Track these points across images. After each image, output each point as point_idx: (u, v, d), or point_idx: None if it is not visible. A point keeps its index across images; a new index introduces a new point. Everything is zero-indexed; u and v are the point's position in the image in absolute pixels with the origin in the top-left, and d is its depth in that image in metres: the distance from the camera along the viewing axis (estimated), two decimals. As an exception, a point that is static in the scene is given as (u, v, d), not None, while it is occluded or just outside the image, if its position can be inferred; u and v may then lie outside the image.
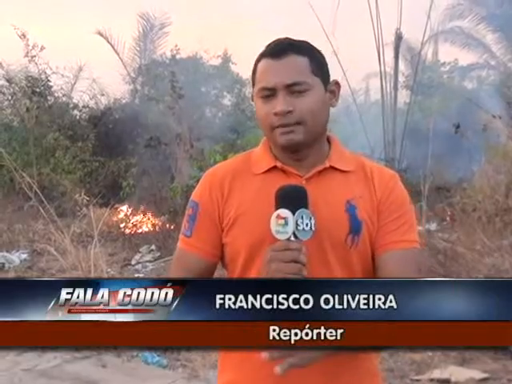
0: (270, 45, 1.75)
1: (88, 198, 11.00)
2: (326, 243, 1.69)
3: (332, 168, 1.76)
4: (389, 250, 1.71)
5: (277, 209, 1.58)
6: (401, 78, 19.55)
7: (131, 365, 5.57)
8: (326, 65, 1.78)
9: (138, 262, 9.56)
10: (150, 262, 9.61)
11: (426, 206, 9.08)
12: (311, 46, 1.77)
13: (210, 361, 5.44)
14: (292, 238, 1.55)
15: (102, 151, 15.40)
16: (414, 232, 1.77)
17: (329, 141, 1.83)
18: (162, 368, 5.54)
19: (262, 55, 1.73)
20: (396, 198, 1.76)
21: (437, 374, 4.93)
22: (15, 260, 9.31)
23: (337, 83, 1.77)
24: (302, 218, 1.56)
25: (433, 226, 9.77)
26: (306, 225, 1.56)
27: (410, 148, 16.28)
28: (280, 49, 1.70)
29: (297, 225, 1.55)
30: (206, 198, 1.76)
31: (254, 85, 1.75)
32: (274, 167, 1.76)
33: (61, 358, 5.66)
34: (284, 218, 1.56)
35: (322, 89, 1.72)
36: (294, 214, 1.55)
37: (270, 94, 1.69)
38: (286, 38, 1.76)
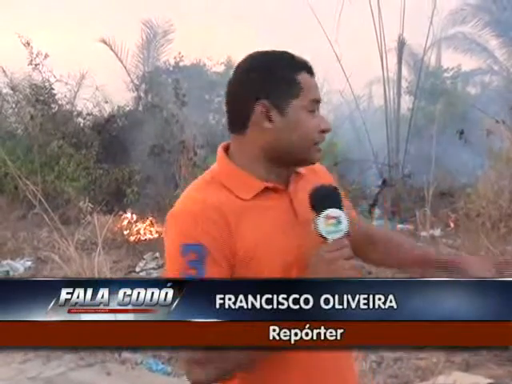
0: (300, 58, 1.72)
1: (92, 206, 11.01)
2: None
3: (298, 174, 1.78)
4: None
5: (321, 210, 1.59)
6: (404, 84, 19.54)
7: (135, 372, 5.56)
8: None
9: (143, 270, 9.55)
10: (154, 269, 9.60)
11: (429, 211, 9.07)
12: None
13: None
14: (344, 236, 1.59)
15: (105, 159, 15.41)
16: None
17: None
18: (167, 375, 5.53)
19: (301, 68, 1.70)
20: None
21: (441, 380, 4.91)
22: (19, 268, 9.32)
23: None
24: (346, 215, 1.60)
25: (437, 232, 9.75)
26: (349, 221, 1.61)
27: (414, 154, 16.28)
28: (310, 67, 1.72)
29: (346, 224, 1.59)
30: (213, 237, 1.59)
31: (291, 97, 1.67)
32: (267, 187, 1.70)
33: (65, 366, 5.66)
34: (336, 218, 1.58)
35: None
36: (343, 212, 1.60)
37: (315, 108, 1.69)
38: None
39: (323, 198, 1.61)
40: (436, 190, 9.60)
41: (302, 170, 1.78)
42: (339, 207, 1.60)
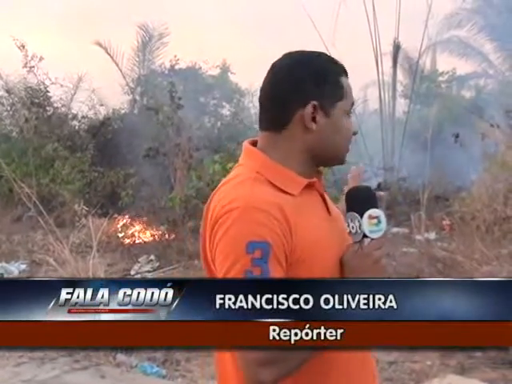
0: (338, 62, 1.76)
1: (87, 209, 11.01)
2: None
3: (319, 171, 1.81)
4: None
5: (362, 211, 1.63)
6: (399, 88, 19.62)
7: (130, 375, 5.54)
8: None
9: (138, 273, 9.54)
10: (149, 272, 9.59)
11: (424, 214, 9.08)
12: None
13: (209, 371, 5.42)
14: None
15: (100, 161, 15.40)
16: None
17: None
18: (161, 378, 5.52)
19: (341, 72, 1.74)
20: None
21: (436, 382, 4.92)
22: (14, 271, 9.30)
23: None
24: (376, 217, 1.64)
25: (432, 235, 9.77)
26: (376, 225, 1.64)
27: (409, 157, 16.32)
28: (347, 70, 1.76)
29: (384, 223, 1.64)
30: (276, 234, 1.55)
31: (336, 98, 1.70)
32: (309, 183, 1.71)
33: (60, 369, 5.63)
34: (377, 217, 1.63)
35: None
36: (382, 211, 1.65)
37: (351, 111, 1.76)
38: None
39: (364, 199, 1.66)
40: (431, 193, 9.62)
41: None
42: (377, 207, 1.65)
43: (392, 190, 14.27)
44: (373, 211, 1.62)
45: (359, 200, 1.66)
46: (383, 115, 17.47)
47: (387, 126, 17.30)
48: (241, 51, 24.84)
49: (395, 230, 12.04)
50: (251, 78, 21.35)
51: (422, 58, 19.05)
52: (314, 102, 1.66)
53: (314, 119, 1.68)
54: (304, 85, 1.68)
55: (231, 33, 25.63)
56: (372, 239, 1.62)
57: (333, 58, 1.76)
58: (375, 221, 1.62)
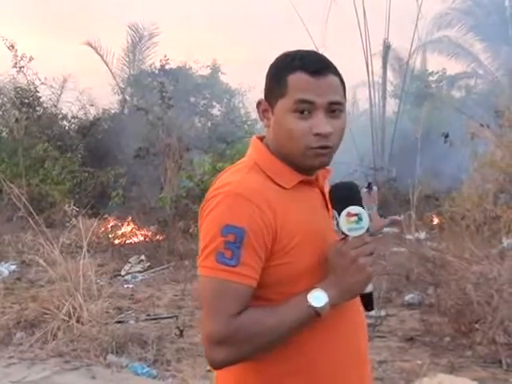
0: (305, 58, 1.66)
1: (77, 209, 10.98)
2: None
3: (327, 169, 1.77)
4: None
5: (342, 208, 1.59)
6: (389, 88, 19.69)
7: (121, 376, 5.53)
8: None
9: (128, 273, 9.53)
10: (139, 272, 9.59)
11: (414, 214, 9.11)
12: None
13: (200, 371, 5.42)
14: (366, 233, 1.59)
15: (91, 162, 15.38)
16: None
17: None
18: (152, 379, 5.51)
19: (297, 68, 1.63)
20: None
21: (426, 382, 4.93)
22: (4, 271, 9.27)
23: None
24: (366, 211, 1.59)
25: (422, 235, 9.80)
26: (357, 222, 1.58)
27: (399, 157, 16.37)
28: (321, 67, 1.63)
29: (367, 220, 1.58)
30: (256, 222, 1.56)
31: (278, 96, 1.64)
32: (302, 181, 1.69)
33: (50, 370, 5.62)
34: (356, 215, 1.57)
35: (344, 110, 1.68)
36: (363, 208, 1.59)
37: (307, 108, 1.61)
38: (321, 54, 1.70)
39: (343, 196, 1.61)
40: (421, 193, 9.64)
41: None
42: (359, 204, 1.59)
43: (382, 189, 14.29)
44: (352, 208, 1.57)
45: (339, 197, 1.61)
46: (373, 115, 17.52)
47: (377, 125, 17.35)
48: (231, 51, 24.86)
49: (386, 229, 12.07)
50: (241, 78, 21.39)
51: (412, 58, 19.13)
52: (261, 99, 1.69)
53: (267, 117, 1.69)
54: (265, 82, 1.71)
55: (222, 33, 25.65)
56: (354, 237, 1.58)
57: (296, 54, 1.67)
58: (354, 218, 1.57)
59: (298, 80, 1.61)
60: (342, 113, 1.65)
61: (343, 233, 1.58)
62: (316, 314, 1.56)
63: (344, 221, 1.57)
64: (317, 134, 1.60)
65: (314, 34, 16.90)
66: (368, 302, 1.64)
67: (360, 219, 1.58)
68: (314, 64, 1.63)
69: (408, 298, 7.22)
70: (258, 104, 1.71)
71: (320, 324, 1.60)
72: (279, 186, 1.65)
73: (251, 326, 1.56)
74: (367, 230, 1.58)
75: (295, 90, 1.61)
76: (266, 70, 1.71)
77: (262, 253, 1.57)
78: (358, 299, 1.65)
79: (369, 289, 1.62)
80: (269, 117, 1.68)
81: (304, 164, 1.66)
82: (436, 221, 10.78)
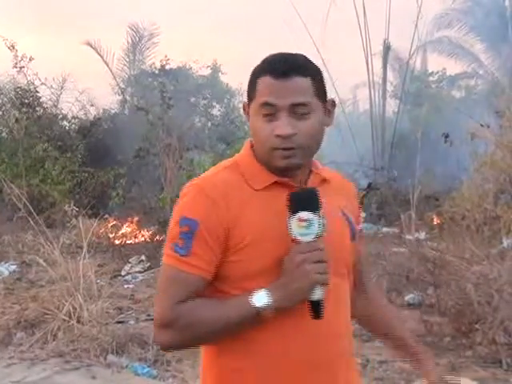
0: (272, 61, 1.69)
1: (77, 209, 10.97)
2: (342, 253, 1.73)
3: (322, 178, 1.76)
4: (362, 252, 1.84)
5: (294, 212, 1.59)
6: (389, 88, 19.69)
7: (121, 376, 5.53)
8: (325, 85, 1.74)
9: (128, 273, 9.53)
10: (139, 272, 9.59)
11: (414, 214, 9.11)
12: (314, 65, 1.72)
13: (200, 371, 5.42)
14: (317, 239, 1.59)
15: (91, 162, 15.37)
16: None
17: None
18: (152, 379, 5.51)
19: (264, 71, 1.67)
20: (359, 208, 1.85)
21: (426, 382, 4.92)
22: (4, 271, 9.27)
23: (333, 102, 1.74)
24: (320, 218, 1.59)
25: (422, 235, 9.80)
26: (324, 225, 1.59)
27: (399, 157, 16.37)
28: (284, 70, 1.65)
29: (319, 226, 1.58)
30: (209, 216, 1.64)
31: (250, 99, 1.70)
32: (275, 182, 1.71)
33: (50, 370, 5.62)
34: (306, 220, 1.58)
35: (321, 110, 1.69)
36: (315, 215, 1.59)
37: (271, 111, 1.64)
38: (290, 56, 1.71)
39: (298, 200, 1.61)
40: (421, 193, 9.64)
41: (326, 175, 1.78)
42: (313, 210, 1.59)
43: (382, 189, 14.30)
44: (303, 214, 1.58)
45: (293, 202, 1.61)
46: (373, 115, 17.53)
47: (377, 126, 17.35)
48: (231, 52, 24.85)
49: (385, 229, 12.07)
50: (242, 78, 21.38)
51: (412, 59, 19.13)
52: (244, 102, 1.73)
53: (248, 119, 1.75)
54: None
55: (222, 33, 25.65)
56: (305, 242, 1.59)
57: (267, 58, 1.71)
58: (304, 224, 1.58)
59: (263, 83, 1.66)
60: (310, 114, 1.65)
61: (295, 237, 1.59)
62: (257, 313, 1.58)
63: (294, 225, 1.59)
64: (278, 136, 1.63)
65: (314, 35, 16.87)
66: (315, 309, 1.62)
67: (310, 225, 1.58)
68: (279, 67, 1.65)
69: (408, 298, 7.22)
70: (243, 107, 1.76)
71: (269, 326, 1.61)
72: (249, 186, 1.69)
73: (191, 315, 1.62)
74: (319, 236, 1.59)
75: (260, 93, 1.66)
76: None
77: (215, 246, 1.63)
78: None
79: (316, 296, 1.60)
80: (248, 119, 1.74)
81: (272, 165, 1.68)
82: (436, 221, 10.78)
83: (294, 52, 1.76)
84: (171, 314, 1.62)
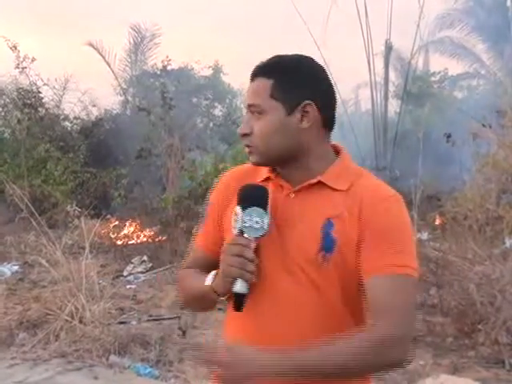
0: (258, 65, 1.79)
1: (79, 210, 10.98)
2: (297, 258, 1.69)
3: (322, 184, 1.74)
4: (372, 275, 1.63)
5: (237, 205, 1.69)
6: (391, 88, 19.68)
7: (123, 376, 5.54)
8: (300, 86, 1.73)
9: (130, 273, 9.54)
10: (142, 272, 9.59)
11: (417, 215, 9.10)
12: (288, 66, 1.75)
13: (203, 372, 5.42)
14: (243, 234, 1.66)
15: (93, 162, 15.37)
16: (404, 257, 1.65)
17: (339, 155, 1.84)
18: (154, 379, 5.52)
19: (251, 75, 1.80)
20: (382, 221, 1.67)
21: (429, 382, 4.93)
22: (6, 272, 9.28)
23: (306, 106, 1.71)
24: (251, 215, 1.64)
25: (424, 235, 9.78)
26: (256, 222, 1.64)
27: (401, 157, 16.35)
28: (253, 71, 1.76)
29: (244, 222, 1.64)
30: (214, 198, 1.89)
31: None
32: (269, 178, 1.79)
33: (53, 370, 5.63)
34: (236, 214, 1.67)
35: (280, 112, 1.71)
36: (244, 211, 1.65)
37: (248, 112, 1.77)
38: (271, 59, 1.77)
39: (240, 195, 1.70)
40: (423, 193, 9.62)
41: (336, 184, 1.74)
42: (246, 207, 1.65)
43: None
44: (236, 208, 1.68)
45: (238, 196, 1.71)
46: (375, 115, 17.50)
47: (379, 126, 17.33)
48: (233, 52, 24.86)
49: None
50: (243, 78, 21.36)
51: (414, 59, 19.10)
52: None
53: None
54: None
55: (223, 33, 25.67)
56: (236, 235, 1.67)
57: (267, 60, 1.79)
58: (235, 217, 1.67)
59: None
60: (262, 114, 1.72)
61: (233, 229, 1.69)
62: (208, 291, 1.73)
63: (232, 218, 1.69)
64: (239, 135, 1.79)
65: (316, 34, 16.80)
66: (236, 301, 1.69)
67: (238, 220, 1.66)
68: (253, 69, 1.77)
69: (410, 298, 7.20)
70: None
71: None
72: (256, 178, 1.82)
73: (181, 280, 1.93)
74: (242, 233, 1.65)
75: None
76: None
77: (217, 227, 1.86)
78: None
79: (236, 288, 1.65)
80: None
81: None
82: (438, 221, 10.76)
83: (294, 53, 1.80)
84: (178, 276, 1.98)
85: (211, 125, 19.66)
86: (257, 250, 1.67)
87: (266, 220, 1.64)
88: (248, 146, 1.76)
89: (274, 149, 1.72)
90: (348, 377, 1.62)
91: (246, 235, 1.65)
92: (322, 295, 1.68)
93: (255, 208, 1.64)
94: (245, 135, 1.75)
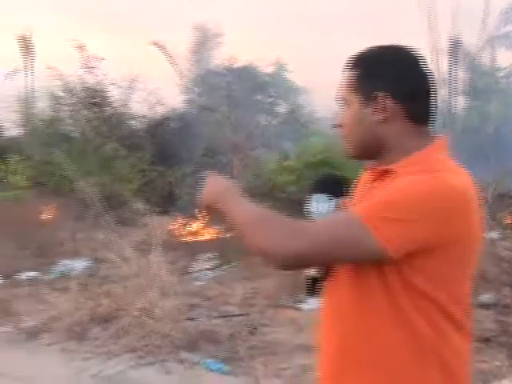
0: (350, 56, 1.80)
1: (147, 207, 11.11)
2: None
3: (392, 172, 1.70)
4: None
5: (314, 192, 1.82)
6: (458, 84, 19.34)
7: (194, 372, 5.58)
8: (374, 78, 1.71)
9: (198, 270, 9.59)
10: (209, 269, 9.63)
11: (488, 214, 8.90)
12: (369, 58, 1.75)
13: (273, 370, 5.42)
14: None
15: (159, 161, 15.54)
16: (366, 205, 1.62)
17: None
18: (225, 375, 5.53)
19: None
20: (381, 188, 1.67)
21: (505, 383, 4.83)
22: (78, 268, 9.44)
23: (378, 97, 1.68)
24: (317, 201, 1.77)
25: (495, 235, 9.57)
26: (318, 208, 1.75)
27: (470, 154, 16.05)
28: (347, 62, 1.77)
29: (310, 206, 1.77)
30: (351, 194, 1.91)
31: None
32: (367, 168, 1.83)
33: (125, 365, 5.71)
34: (310, 202, 1.79)
35: (358, 105, 1.72)
36: (311, 197, 1.78)
37: (341, 104, 1.78)
38: (360, 50, 1.76)
39: (313, 183, 1.82)
40: (494, 191, 9.41)
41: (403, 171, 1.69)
42: (317, 193, 1.76)
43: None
44: (315, 195, 1.79)
45: (316, 183, 1.85)
46: (442, 112, 17.25)
47: (446, 122, 17.08)
48: (297, 50, 24.82)
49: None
50: (307, 76, 21.33)
51: (480, 54, 18.76)
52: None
53: None
54: None
55: (287, 31, 25.65)
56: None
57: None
58: (307, 206, 1.79)
59: None
60: (347, 107, 1.75)
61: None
62: None
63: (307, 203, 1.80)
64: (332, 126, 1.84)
65: (379, 31, 16.65)
66: (307, 285, 1.77)
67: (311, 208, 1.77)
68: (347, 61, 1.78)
69: (484, 298, 7.06)
70: None
71: None
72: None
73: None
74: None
75: None
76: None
77: None
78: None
79: (308, 273, 1.74)
80: None
81: None
82: (510, 220, 10.50)
83: (391, 44, 1.78)
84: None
85: (275, 122, 19.65)
86: None
87: (327, 207, 1.74)
88: (341, 138, 1.79)
89: (356, 141, 1.74)
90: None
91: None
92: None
93: (319, 195, 1.75)
94: (338, 126, 1.78)
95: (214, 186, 1.84)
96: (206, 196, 1.85)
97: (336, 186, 1.76)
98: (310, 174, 10.39)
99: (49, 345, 6.28)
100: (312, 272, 1.70)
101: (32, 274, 9.17)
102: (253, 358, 5.71)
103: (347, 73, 1.74)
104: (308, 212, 1.74)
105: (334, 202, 1.72)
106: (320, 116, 18.76)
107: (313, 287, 1.72)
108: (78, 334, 6.45)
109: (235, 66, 19.72)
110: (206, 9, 24.50)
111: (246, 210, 1.69)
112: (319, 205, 1.72)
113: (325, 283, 1.70)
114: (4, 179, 13.31)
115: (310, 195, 1.76)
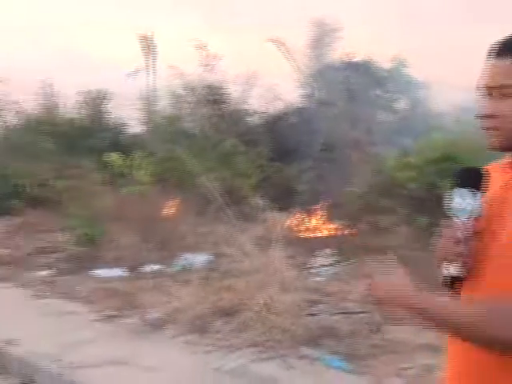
0: (497, 42, 1.64)
1: (266, 203, 11.18)
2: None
3: None
4: None
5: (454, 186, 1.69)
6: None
7: (315, 368, 5.56)
8: None
9: (316, 266, 9.57)
10: (328, 265, 9.59)
11: None
12: None
13: (394, 369, 5.33)
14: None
15: (277, 156, 15.60)
16: None
17: None
18: (346, 373, 5.48)
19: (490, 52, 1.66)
20: None
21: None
22: (199, 261, 9.61)
23: None
24: (459, 196, 1.64)
25: None
26: (459, 204, 1.63)
27: None
28: (499, 49, 1.61)
29: (450, 202, 1.65)
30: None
31: None
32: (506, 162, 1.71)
33: (246, 358, 5.77)
34: (453, 198, 1.67)
35: None
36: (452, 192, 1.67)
37: (488, 94, 1.63)
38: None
39: (454, 177, 1.68)
40: None
41: None
42: (472, 187, 1.63)
43: None
44: (461, 190, 1.66)
45: (455, 175, 1.70)
46: None
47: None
48: (417, 44, 24.32)
49: None
50: (427, 70, 20.82)
51: None
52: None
53: None
54: None
55: (405, 25, 25.17)
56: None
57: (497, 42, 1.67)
58: (451, 202, 1.67)
59: (485, 65, 1.66)
60: (500, 96, 1.61)
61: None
62: None
63: (448, 199, 1.68)
64: (476, 117, 1.67)
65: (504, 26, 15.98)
66: (444, 283, 1.68)
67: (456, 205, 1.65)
68: (498, 46, 1.64)
69: None
70: None
71: None
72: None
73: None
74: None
75: (483, 75, 1.67)
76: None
77: None
78: None
79: (445, 272, 1.65)
80: None
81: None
82: None
83: None
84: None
85: (394, 118, 19.29)
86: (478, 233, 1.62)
87: (473, 202, 1.61)
88: (487, 129, 1.64)
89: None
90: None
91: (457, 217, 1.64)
92: None
93: (463, 189, 1.63)
94: (488, 117, 1.63)
95: (389, 280, 1.77)
96: (381, 290, 1.78)
97: (477, 180, 1.65)
98: (430, 170, 10.08)
99: (172, 337, 6.44)
100: (452, 270, 1.62)
101: (156, 267, 9.39)
102: (374, 357, 5.64)
103: (496, 61, 1.61)
104: (450, 208, 1.64)
105: (479, 197, 1.62)
106: (440, 111, 18.26)
107: (451, 286, 1.65)
108: (199, 326, 6.57)
109: (353, 60, 19.54)
110: (323, 4, 24.37)
111: (462, 306, 1.60)
112: (464, 201, 1.62)
113: (464, 282, 1.64)
114: (129, 175, 13.73)
115: (451, 190, 1.66)
